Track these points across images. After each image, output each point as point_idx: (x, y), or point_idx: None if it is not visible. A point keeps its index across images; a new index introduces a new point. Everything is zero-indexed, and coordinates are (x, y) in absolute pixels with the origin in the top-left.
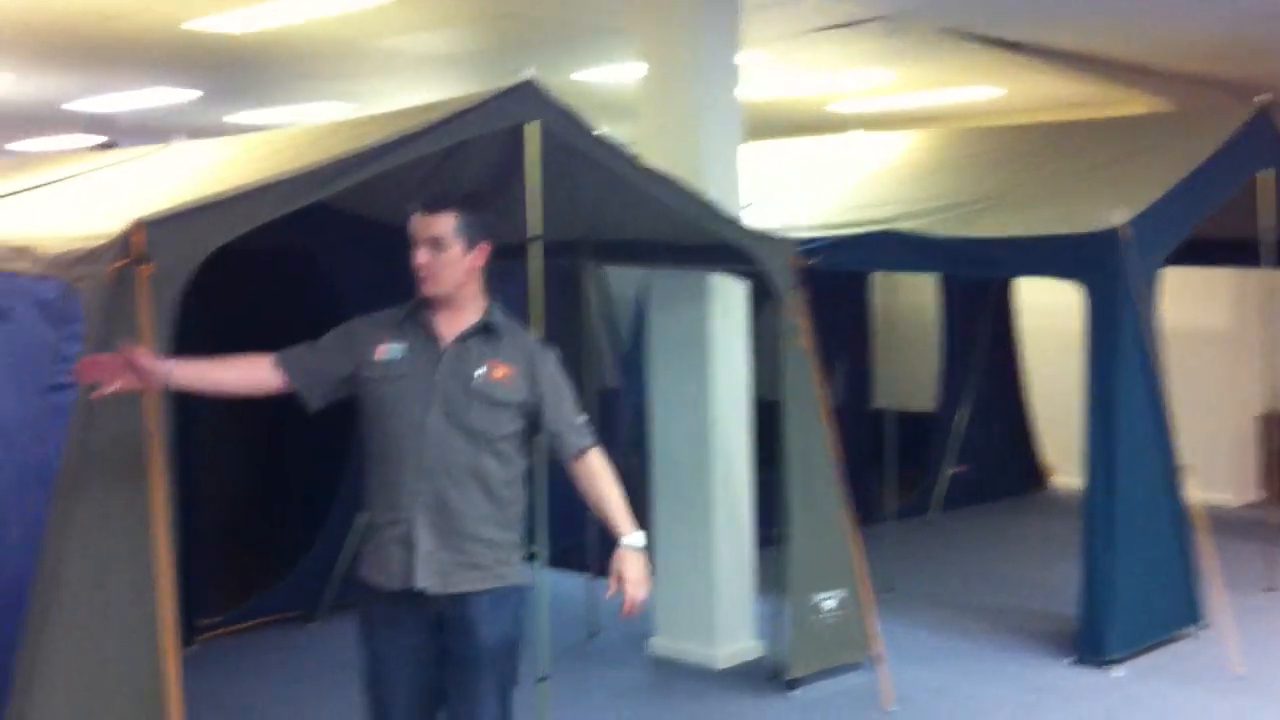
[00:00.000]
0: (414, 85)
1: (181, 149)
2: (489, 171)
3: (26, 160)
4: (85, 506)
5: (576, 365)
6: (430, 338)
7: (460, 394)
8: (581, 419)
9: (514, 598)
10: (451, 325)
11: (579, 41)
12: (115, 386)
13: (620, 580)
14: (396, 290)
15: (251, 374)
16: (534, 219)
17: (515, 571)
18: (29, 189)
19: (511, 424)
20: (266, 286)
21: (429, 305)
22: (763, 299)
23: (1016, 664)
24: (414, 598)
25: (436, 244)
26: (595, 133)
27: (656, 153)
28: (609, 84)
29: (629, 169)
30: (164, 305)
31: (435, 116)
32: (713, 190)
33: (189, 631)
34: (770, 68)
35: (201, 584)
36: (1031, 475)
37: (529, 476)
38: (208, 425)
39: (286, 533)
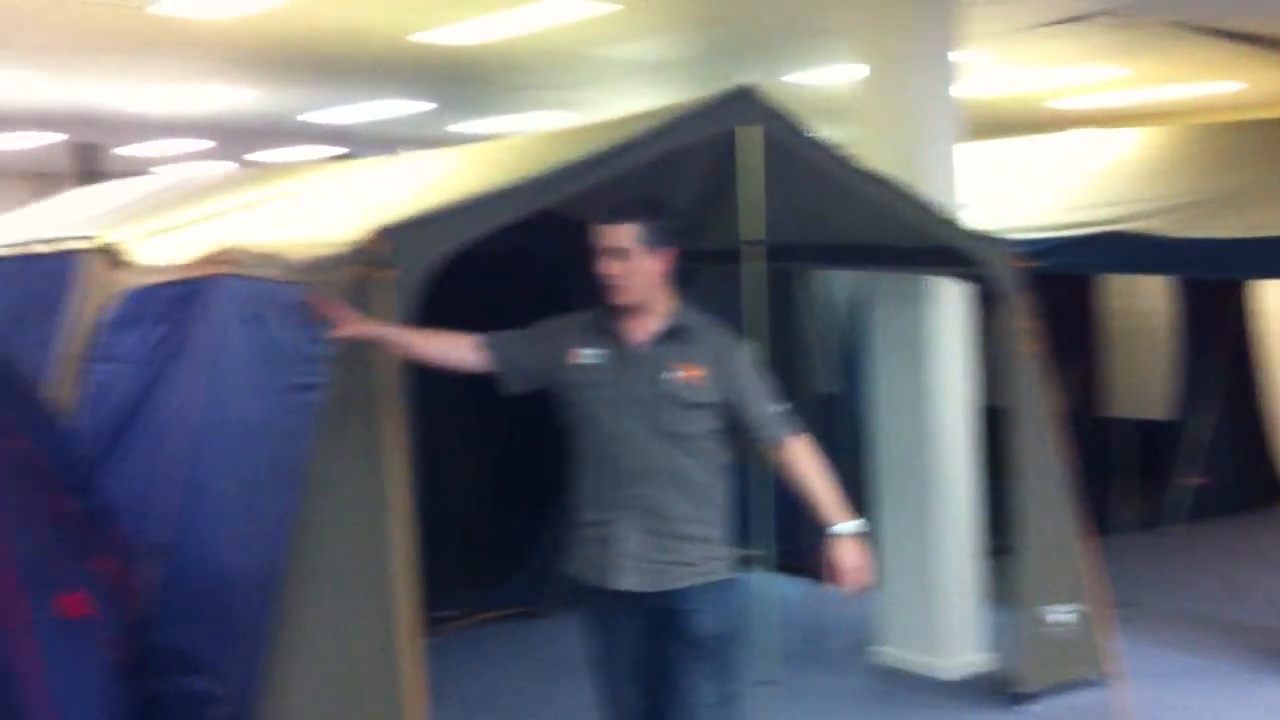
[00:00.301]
0: (630, 93)
1: (411, 159)
2: (703, 177)
3: (270, 171)
4: (330, 501)
5: (790, 371)
6: (619, 342)
7: (652, 398)
8: (780, 409)
9: (725, 591)
10: (639, 329)
11: (792, 44)
12: (346, 331)
13: (836, 569)
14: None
15: (456, 349)
16: (751, 224)
17: (724, 566)
18: (275, 199)
19: (707, 423)
20: (493, 291)
21: (616, 310)
22: (986, 302)
23: (1264, 685)
24: (624, 595)
25: (621, 254)
26: (811, 135)
27: (873, 153)
28: (822, 86)
29: (845, 171)
30: (403, 308)
31: (653, 123)
32: (930, 190)
33: (426, 623)
34: (990, 65)
35: (438, 578)
36: (1273, 487)
37: (745, 477)
38: (445, 425)
39: (518, 529)
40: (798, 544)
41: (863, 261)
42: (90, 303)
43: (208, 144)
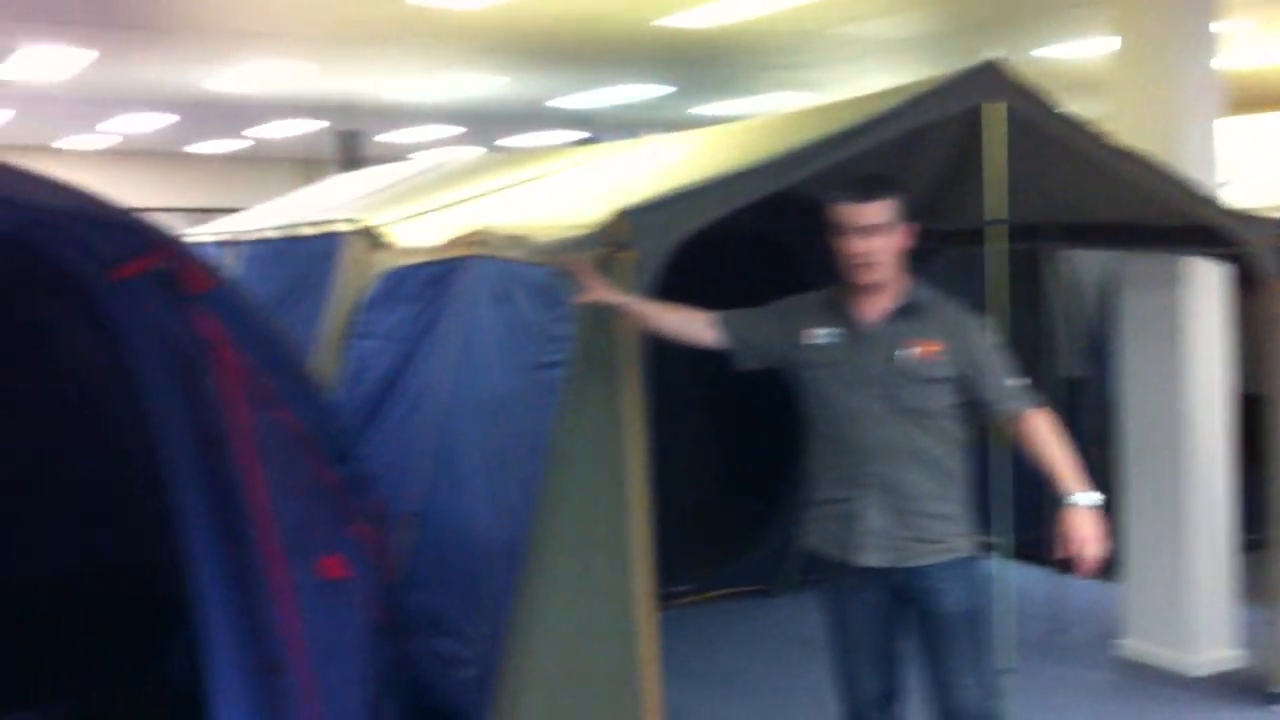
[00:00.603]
0: (874, 71)
1: (652, 142)
2: (946, 155)
3: (517, 156)
4: (571, 475)
5: (1034, 353)
6: (853, 321)
7: (889, 375)
8: (1018, 383)
9: (969, 568)
10: (874, 307)
11: (1041, 17)
12: (593, 296)
13: (1070, 539)
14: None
15: (693, 325)
16: (995, 203)
17: (967, 543)
18: (523, 183)
19: (944, 399)
20: (733, 271)
21: (850, 289)
22: (1245, 284)
23: None
24: (867, 571)
25: (872, 231)
26: (1059, 111)
27: (1127, 129)
28: (1072, 60)
29: (1096, 148)
30: (643, 288)
31: (895, 101)
32: (1187, 168)
33: (660, 598)
34: (1254, 35)
35: (672, 553)
36: None
37: (984, 460)
38: (683, 404)
39: (753, 507)
40: (1038, 532)
41: (1113, 241)
42: (352, 282)
43: (459, 130)
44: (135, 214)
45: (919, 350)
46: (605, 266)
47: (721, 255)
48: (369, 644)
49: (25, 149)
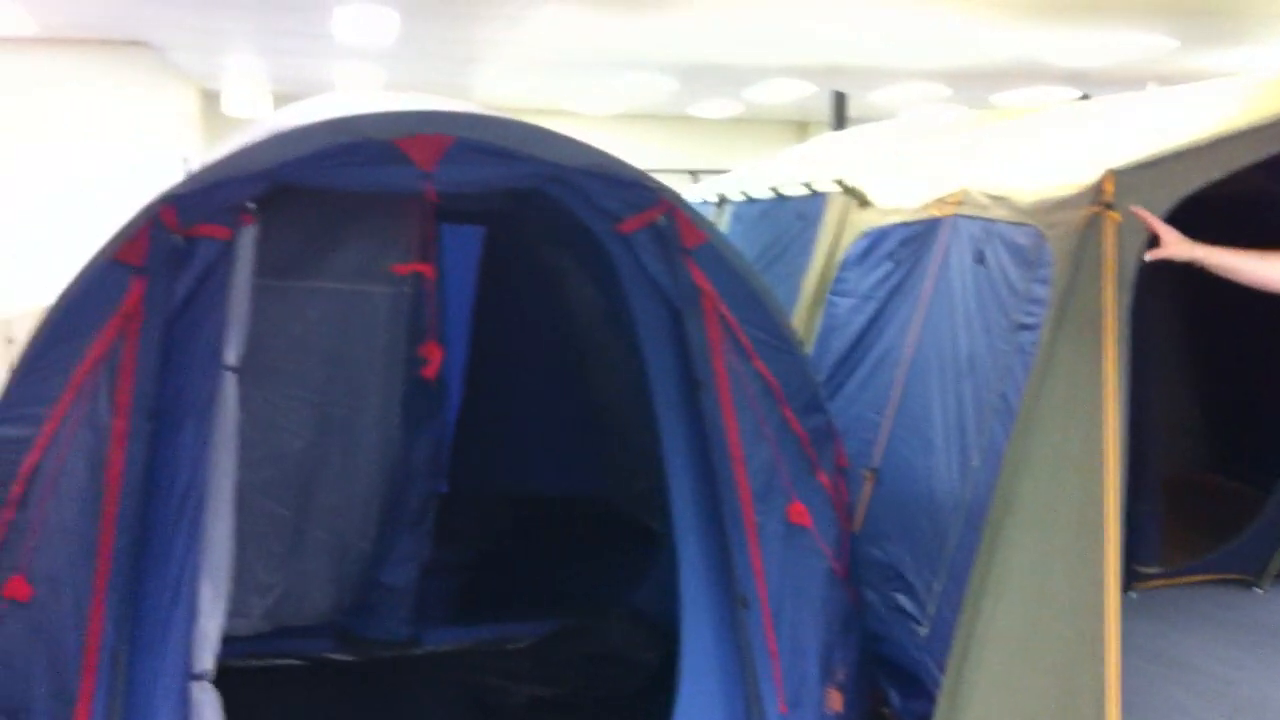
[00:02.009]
0: None
1: (1145, 98)
2: None
3: (1000, 113)
4: (1040, 441)
5: None
6: None
7: None
8: None
9: None
10: None
11: None
12: (1167, 251)
13: None
14: None
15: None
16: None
17: None
18: (1005, 140)
19: None
20: (1236, 235)
21: None
22: None
23: None
24: None
25: None
26: None
27: None
28: None
29: None
30: (1127, 252)
31: None
32: None
33: (1128, 577)
34: None
35: (1144, 532)
36: None
37: None
38: (1168, 372)
39: (1239, 493)
40: None
41: None
42: (834, 241)
43: (941, 89)
44: (640, 172)
45: None
46: (1092, 228)
47: (1224, 217)
48: (826, 590)
49: (549, 111)
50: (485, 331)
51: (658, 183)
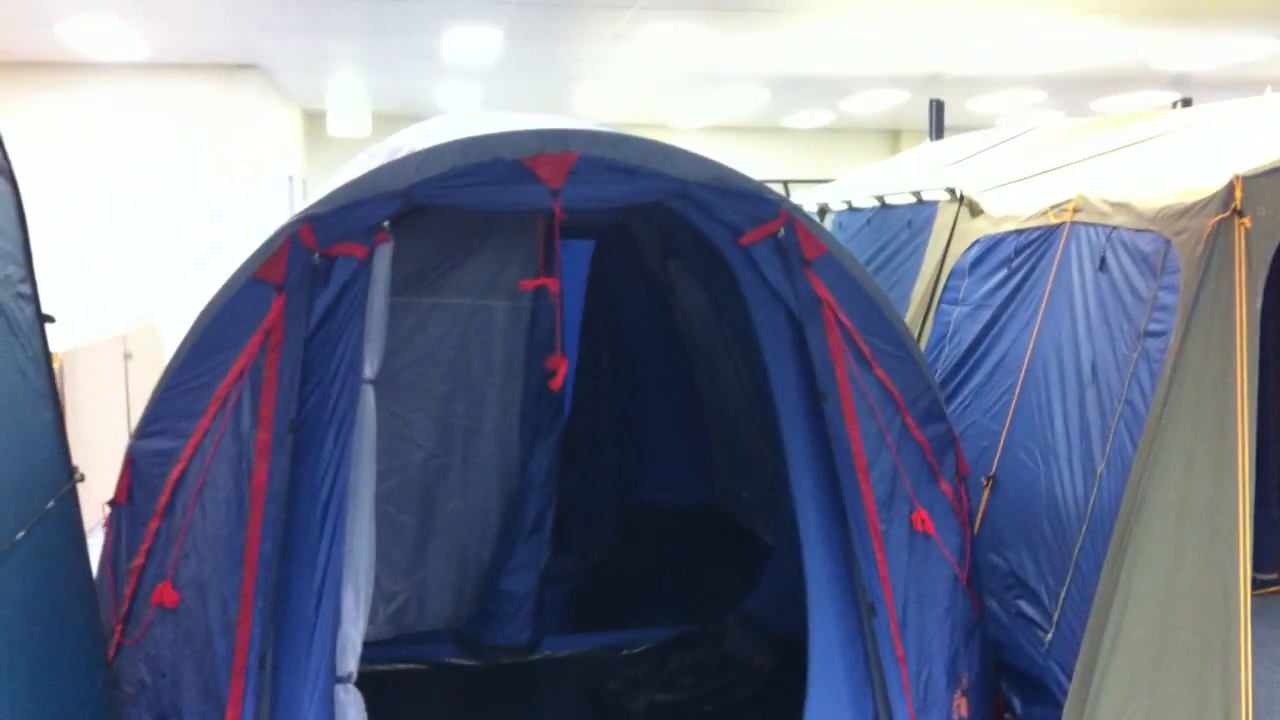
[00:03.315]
0: None
1: (1271, 102)
2: None
3: (1110, 120)
4: (1170, 447)
5: None
6: None
7: None
8: None
9: None
10: None
11: None
12: None
13: None
14: None
15: None
16: None
17: None
18: (1120, 147)
19: None
20: None
21: None
22: None
23: None
24: None
25: None
26: None
27: None
28: None
29: None
30: (1257, 259)
31: None
32: None
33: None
34: None
35: (1262, 539)
36: None
37: None
38: None
39: None
40: None
41: None
42: (945, 249)
43: (1039, 95)
44: (760, 185)
45: None
46: (1220, 235)
47: None
48: (950, 596)
49: (644, 125)
50: (594, 343)
51: (778, 195)
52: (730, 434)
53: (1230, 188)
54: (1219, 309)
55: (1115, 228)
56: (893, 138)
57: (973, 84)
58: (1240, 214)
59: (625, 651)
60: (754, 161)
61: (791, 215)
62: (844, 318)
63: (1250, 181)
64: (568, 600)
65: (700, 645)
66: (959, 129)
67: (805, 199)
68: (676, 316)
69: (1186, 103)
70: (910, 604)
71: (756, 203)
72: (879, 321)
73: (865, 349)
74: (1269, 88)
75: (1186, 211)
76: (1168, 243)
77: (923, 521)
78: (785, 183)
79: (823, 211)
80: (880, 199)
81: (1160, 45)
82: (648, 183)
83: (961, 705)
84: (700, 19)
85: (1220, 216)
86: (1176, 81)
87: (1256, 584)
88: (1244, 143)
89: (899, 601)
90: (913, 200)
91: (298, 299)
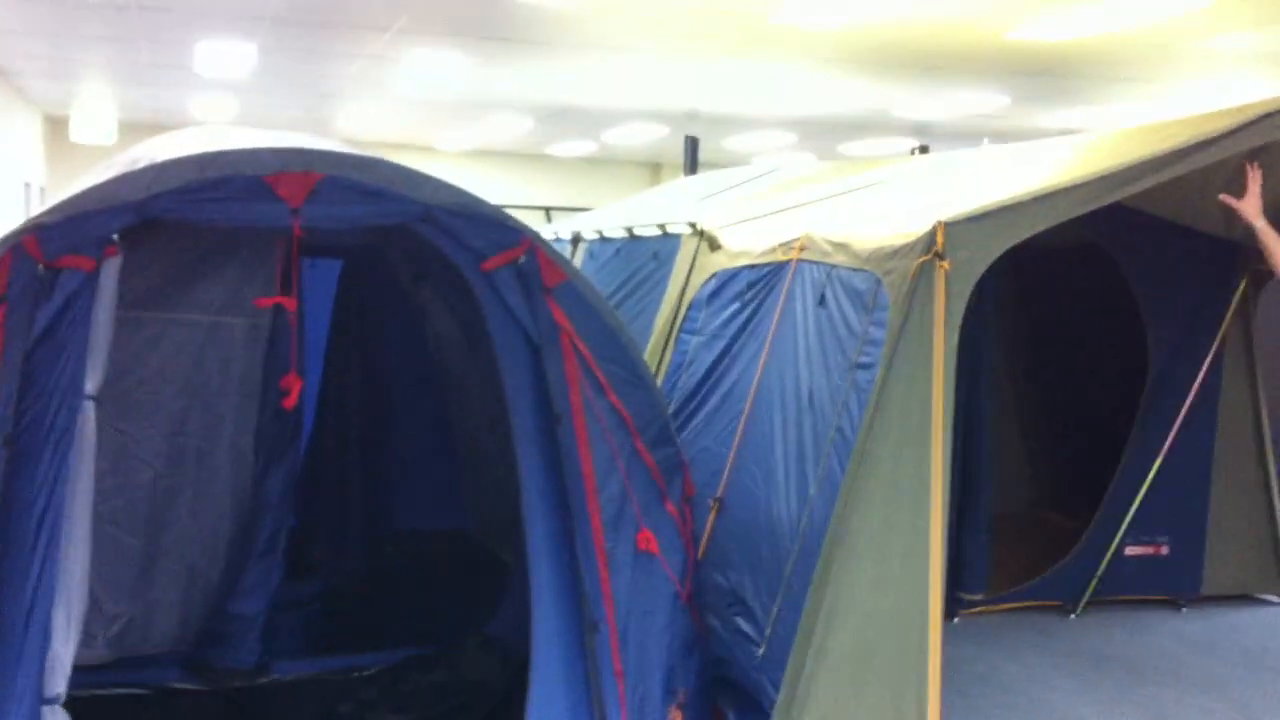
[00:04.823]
0: (1233, 84)
1: (988, 153)
2: None
3: (847, 165)
4: (873, 473)
5: None
6: None
7: None
8: None
9: None
10: None
11: None
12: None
13: None
14: (1186, 287)
15: None
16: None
17: None
18: (850, 191)
19: None
20: (1058, 282)
21: None
22: None
23: None
24: None
25: None
26: None
27: None
28: None
29: None
30: (955, 298)
31: (1235, 121)
32: None
33: (954, 604)
34: None
35: (973, 563)
36: None
37: None
38: (1003, 410)
39: (1061, 527)
40: None
41: None
42: (686, 281)
43: (791, 137)
44: (503, 212)
45: None
46: (923, 275)
47: (1055, 263)
48: (671, 614)
49: (409, 147)
50: (342, 364)
51: (520, 223)
52: (479, 458)
53: (933, 232)
54: (921, 344)
55: (835, 266)
56: (654, 170)
57: (728, 123)
58: (941, 257)
59: (358, 674)
60: (517, 188)
61: (533, 243)
62: (581, 344)
63: (952, 227)
64: (303, 624)
65: (436, 667)
66: (715, 165)
67: (566, 227)
68: (428, 339)
69: (924, 149)
70: (632, 621)
71: (499, 229)
72: (616, 349)
73: (601, 375)
74: (986, 140)
75: (896, 253)
76: (879, 281)
77: (647, 541)
78: (548, 209)
79: (576, 240)
80: (630, 230)
81: (900, 96)
82: (391, 205)
83: (677, 718)
84: (461, 46)
85: (924, 259)
86: (918, 130)
87: (966, 604)
88: (955, 190)
89: (620, 619)
90: (659, 233)
91: (19, 311)
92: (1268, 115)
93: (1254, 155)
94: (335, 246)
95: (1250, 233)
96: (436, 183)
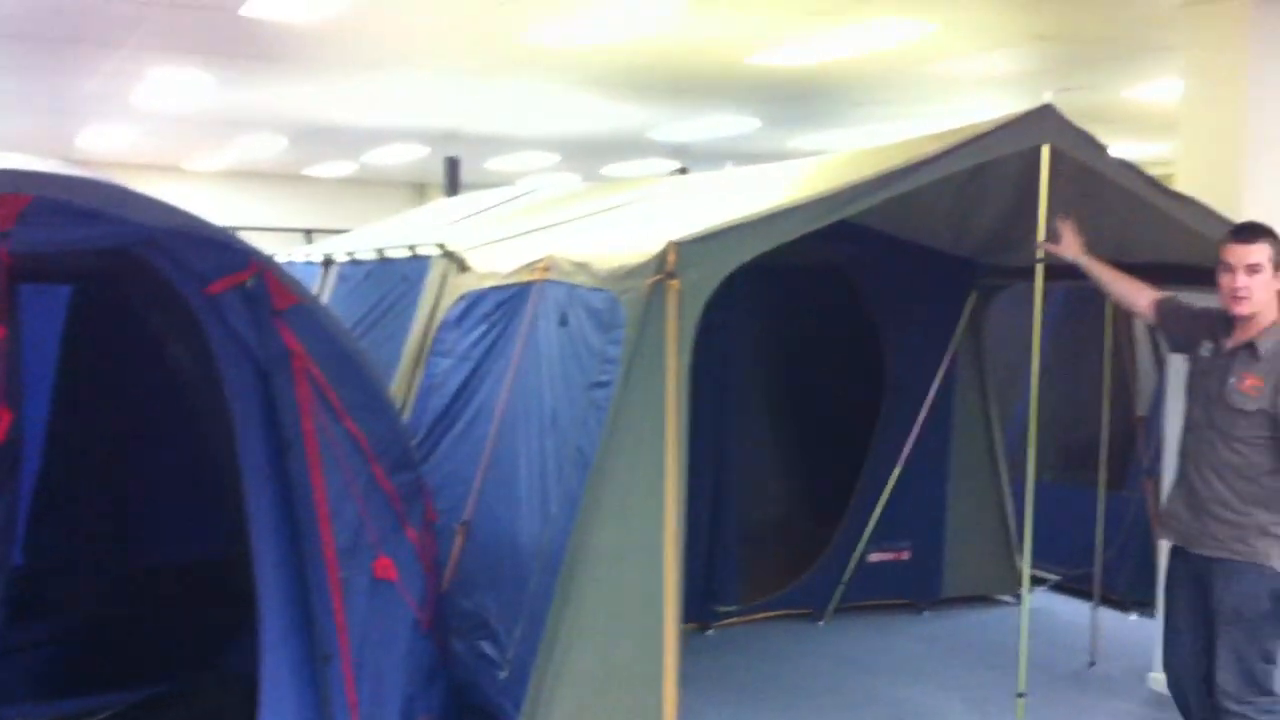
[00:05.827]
0: (966, 106)
1: (732, 175)
2: (1014, 194)
3: (601, 187)
4: (611, 489)
5: (1099, 390)
6: (1221, 344)
7: (1217, 397)
8: None
9: (1251, 573)
10: (1239, 336)
11: (1127, 59)
12: (1062, 251)
13: None
14: (919, 302)
15: (1138, 295)
16: (1043, 241)
17: (1255, 550)
18: (599, 212)
19: (1251, 429)
20: (803, 299)
21: (1228, 317)
22: None
23: None
24: (1178, 550)
25: (1254, 270)
26: (1111, 155)
27: (1198, 170)
28: (1166, 100)
29: (1150, 191)
30: (687, 316)
31: (951, 142)
32: (1256, 210)
33: (710, 615)
34: None
35: (724, 574)
36: None
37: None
38: (747, 433)
39: (811, 535)
40: (1087, 569)
41: (1172, 281)
42: (435, 303)
43: (555, 158)
44: (230, 233)
45: (1241, 383)
46: (658, 293)
47: (806, 280)
48: (410, 642)
49: (155, 168)
50: (72, 395)
51: (247, 245)
52: (223, 489)
53: (665, 252)
54: (654, 362)
55: (576, 286)
56: (419, 191)
57: (490, 143)
58: (672, 276)
59: (95, 717)
60: (274, 209)
61: (262, 266)
62: (315, 369)
63: (684, 247)
64: (35, 669)
65: (175, 705)
66: (480, 186)
67: (315, 249)
68: (170, 368)
69: (684, 171)
70: (367, 650)
71: (224, 251)
72: (353, 373)
73: (336, 400)
74: (729, 163)
75: (631, 272)
76: (616, 300)
77: (385, 569)
78: (308, 231)
79: (328, 263)
80: (380, 253)
81: (656, 118)
82: (109, 228)
83: None
84: (204, 65)
85: (656, 278)
86: (677, 151)
87: (719, 615)
88: (692, 211)
89: (355, 648)
90: (409, 255)
91: None
92: (976, 138)
93: (981, 173)
94: (61, 271)
95: (1079, 268)
96: (155, 204)
